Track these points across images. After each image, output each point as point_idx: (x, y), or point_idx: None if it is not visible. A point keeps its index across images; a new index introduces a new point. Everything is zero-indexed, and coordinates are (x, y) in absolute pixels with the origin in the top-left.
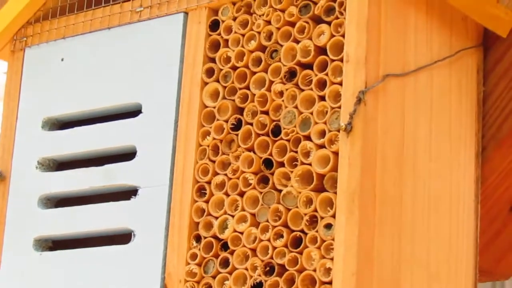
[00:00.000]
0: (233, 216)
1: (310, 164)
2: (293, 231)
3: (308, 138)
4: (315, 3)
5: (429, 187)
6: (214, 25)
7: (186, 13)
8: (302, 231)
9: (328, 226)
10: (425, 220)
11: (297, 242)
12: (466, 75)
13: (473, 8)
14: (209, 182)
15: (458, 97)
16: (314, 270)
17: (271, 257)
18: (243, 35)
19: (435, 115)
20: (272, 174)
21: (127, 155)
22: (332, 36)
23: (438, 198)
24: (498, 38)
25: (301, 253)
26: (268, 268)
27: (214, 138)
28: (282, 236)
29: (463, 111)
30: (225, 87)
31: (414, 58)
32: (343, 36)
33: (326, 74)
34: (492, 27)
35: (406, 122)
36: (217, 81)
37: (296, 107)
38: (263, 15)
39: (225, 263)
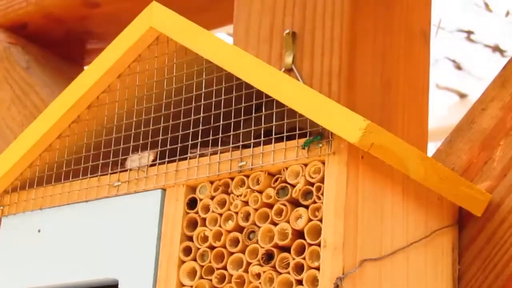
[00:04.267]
0: None
1: None
2: None
3: None
4: (293, 186)
5: None
6: (191, 203)
7: (163, 190)
8: None
9: None
10: None
11: None
12: (442, 254)
13: (449, 189)
14: None
15: (433, 276)
16: None
17: None
18: (220, 215)
19: None
20: None
21: None
22: (310, 220)
23: None
24: (473, 217)
25: None
26: None
27: None
28: None
29: None
30: (202, 266)
31: (391, 240)
32: (320, 220)
33: (304, 258)
34: (467, 206)
35: None
36: (195, 260)
37: None
38: (240, 195)
39: None
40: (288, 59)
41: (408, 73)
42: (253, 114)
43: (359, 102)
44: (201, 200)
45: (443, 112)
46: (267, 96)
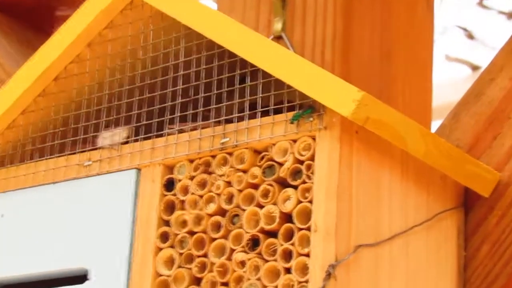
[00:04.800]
0: None
1: None
2: None
3: None
4: (281, 165)
5: None
6: (169, 184)
7: (138, 170)
8: None
9: None
10: None
11: None
12: (445, 240)
13: (453, 167)
14: None
15: (436, 264)
16: None
17: None
18: (201, 197)
19: (411, 285)
20: None
21: None
22: (299, 202)
23: None
24: (480, 198)
25: None
26: None
27: None
28: None
29: (441, 278)
30: (181, 254)
31: (388, 224)
32: (311, 202)
33: (292, 244)
34: (473, 186)
35: None
36: (173, 247)
37: (259, 279)
38: (223, 175)
39: None
40: (277, 26)
41: (410, 42)
42: (237, 86)
43: (355, 73)
44: (179, 180)
45: (453, 86)
46: (252, 65)
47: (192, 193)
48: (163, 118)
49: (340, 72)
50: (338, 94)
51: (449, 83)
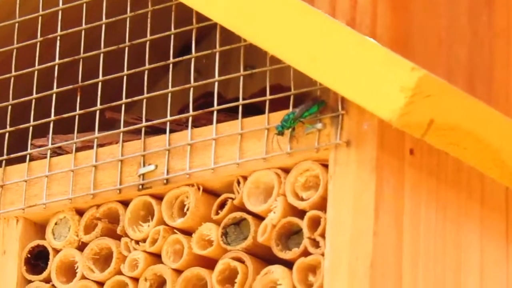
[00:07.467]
0: None
1: None
2: None
3: None
4: (259, 219)
5: None
6: (37, 258)
7: None
8: None
9: None
10: None
11: None
12: None
13: None
14: None
15: None
16: None
17: None
18: (100, 284)
19: None
20: None
21: None
22: None
23: None
24: None
25: None
26: None
27: None
28: None
29: None
30: None
31: None
32: None
33: None
34: None
35: None
36: None
37: None
38: (144, 240)
39: None
40: None
41: None
42: (171, 59)
43: (418, 41)
44: (57, 251)
45: None
46: (201, 18)
47: (83, 277)
48: (24, 126)
49: (388, 35)
50: (373, 77)
51: None
